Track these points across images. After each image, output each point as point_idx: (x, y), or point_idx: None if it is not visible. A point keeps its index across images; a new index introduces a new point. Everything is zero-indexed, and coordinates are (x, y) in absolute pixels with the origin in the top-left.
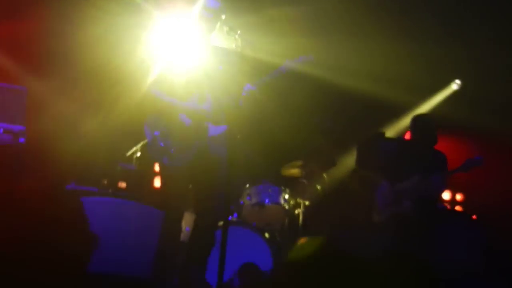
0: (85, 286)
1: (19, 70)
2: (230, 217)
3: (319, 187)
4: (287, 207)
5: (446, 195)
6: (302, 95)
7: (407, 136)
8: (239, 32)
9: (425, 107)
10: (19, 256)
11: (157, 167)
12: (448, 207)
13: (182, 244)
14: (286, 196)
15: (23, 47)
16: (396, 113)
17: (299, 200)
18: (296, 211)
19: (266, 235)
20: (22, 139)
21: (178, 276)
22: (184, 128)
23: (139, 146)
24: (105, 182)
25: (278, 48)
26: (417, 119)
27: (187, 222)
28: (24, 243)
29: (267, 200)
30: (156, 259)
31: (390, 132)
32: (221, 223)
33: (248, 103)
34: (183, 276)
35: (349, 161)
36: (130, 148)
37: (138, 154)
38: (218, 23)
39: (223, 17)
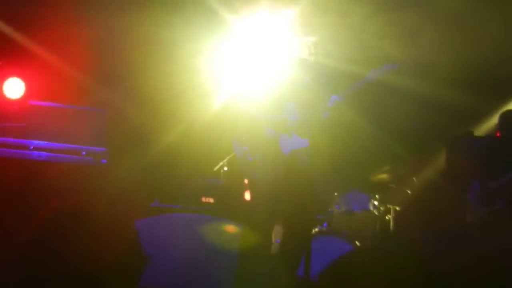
0: None
1: (98, 90)
2: (320, 227)
3: (409, 191)
4: (377, 213)
5: None
6: (391, 102)
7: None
8: (312, 39)
9: None
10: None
11: (246, 181)
12: None
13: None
14: (376, 202)
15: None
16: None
17: (389, 205)
18: (387, 217)
19: (357, 243)
20: (104, 160)
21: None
22: (272, 141)
23: (225, 160)
24: (189, 198)
25: (359, 56)
26: (506, 116)
27: (276, 235)
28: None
29: (356, 208)
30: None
31: (479, 131)
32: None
33: (334, 114)
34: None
35: (439, 162)
36: (216, 163)
37: (225, 168)
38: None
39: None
